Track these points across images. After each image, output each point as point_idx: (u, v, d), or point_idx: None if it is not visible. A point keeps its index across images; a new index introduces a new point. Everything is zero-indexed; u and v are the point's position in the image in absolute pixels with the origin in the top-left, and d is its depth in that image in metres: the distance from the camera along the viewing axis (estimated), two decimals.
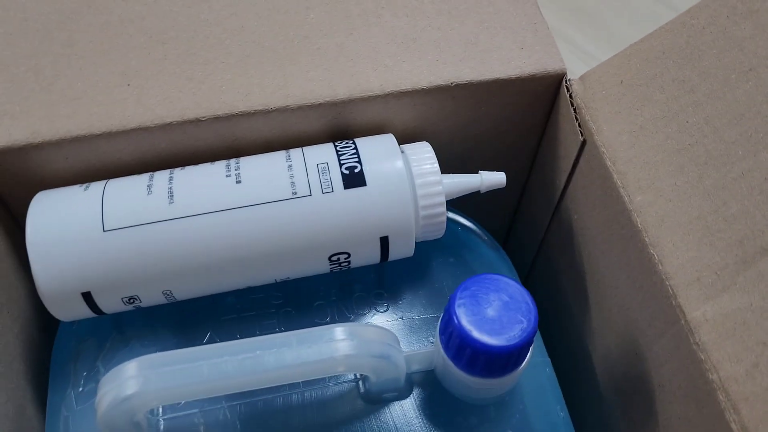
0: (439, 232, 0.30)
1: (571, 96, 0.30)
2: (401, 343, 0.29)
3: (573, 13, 0.63)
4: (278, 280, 0.29)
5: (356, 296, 0.31)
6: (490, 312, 0.25)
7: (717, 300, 0.24)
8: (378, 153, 0.28)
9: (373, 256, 0.29)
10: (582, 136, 0.29)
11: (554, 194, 0.33)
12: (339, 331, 0.25)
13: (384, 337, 0.26)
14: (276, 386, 0.27)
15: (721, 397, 0.23)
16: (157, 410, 0.27)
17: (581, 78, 0.30)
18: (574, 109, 0.30)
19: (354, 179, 0.27)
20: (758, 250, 0.23)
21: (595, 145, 0.28)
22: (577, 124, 0.30)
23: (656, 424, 0.27)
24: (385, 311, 0.30)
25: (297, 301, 0.30)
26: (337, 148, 0.28)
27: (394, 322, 0.30)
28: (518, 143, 0.34)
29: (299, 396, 0.28)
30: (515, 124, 0.33)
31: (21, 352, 0.30)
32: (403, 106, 0.30)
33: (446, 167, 0.34)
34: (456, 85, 0.30)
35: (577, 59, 0.61)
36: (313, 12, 0.31)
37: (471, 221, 0.34)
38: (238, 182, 0.27)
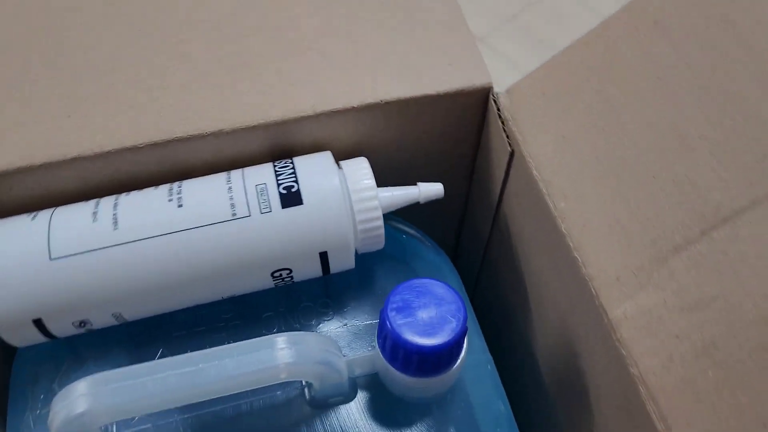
0: (379, 244, 0.30)
1: (498, 109, 0.30)
2: (347, 348, 0.30)
3: (510, 27, 0.63)
4: (225, 297, 0.29)
5: (303, 306, 0.31)
6: (422, 314, 0.25)
7: (635, 298, 0.24)
8: (315, 171, 0.28)
9: (315, 270, 0.29)
10: (510, 147, 0.30)
11: (492, 203, 0.34)
12: (280, 340, 0.25)
13: (324, 344, 0.26)
14: (225, 397, 0.27)
15: (641, 389, 0.23)
16: (111, 427, 0.27)
17: (507, 91, 0.30)
18: (502, 122, 0.30)
19: (291, 198, 0.28)
20: (670, 249, 0.24)
21: (522, 156, 0.29)
22: (505, 135, 0.30)
23: (591, 417, 0.28)
24: (330, 319, 0.30)
25: (246, 314, 0.30)
26: (276, 169, 0.29)
27: (339, 329, 0.30)
28: (456, 155, 0.34)
29: (248, 405, 0.27)
30: (450, 137, 0.33)
31: None
32: (338, 124, 0.30)
33: (387, 180, 0.34)
34: (386, 103, 0.30)
35: (517, 73, 0.62)
36: (254, 39, 0.31)
37: (415, 229, 0.34)
38: (180, 206, 0.27)
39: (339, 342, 0.30)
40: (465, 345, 0.27)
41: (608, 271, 0.25)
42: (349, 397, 0.28)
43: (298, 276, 0.29)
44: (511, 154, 0.30)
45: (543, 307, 0.31)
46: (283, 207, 0.27)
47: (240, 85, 0.30)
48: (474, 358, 0.30)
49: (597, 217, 0.26)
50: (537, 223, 0.29)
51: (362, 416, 0.28)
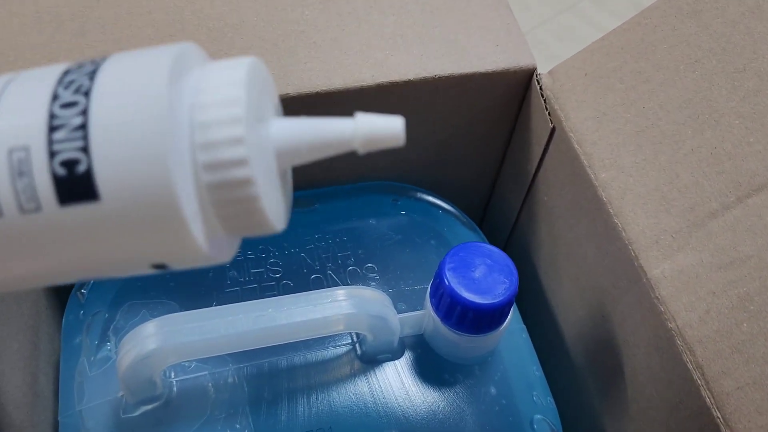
0: (258, 222, 0.17)
1: (541, 88, 0.33)
2: None
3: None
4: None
5: (350, 270, 0.33)
6: (477, 274, 0.28)
7: (673, 258, 0.27)
8: (128, 116, 0.16)
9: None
10: (551, 123, 0.33)
11: (526, 178, 0.37)
12: (341, 292, 0.28)
13: (381, 299, 0.29)
14: (279, 349, 0.29)
15: (678, 341, 0.26)
16: (170, 373, 0.29)
17: (550, 72, 0.34)
18: (545, 100, 0.33)
19: (75, 188, 0.16)
20: (707, 214, 0.27)
21: (564, 131, 0.32)
22: (547, 113, 0.33)
23: (622, 377, 0.31)
24: (376, 283, 0.33)
25: (295, 274, 0.33)
26: (55, 109, 0.16)
27: (385, 292, 0.33)
28: (492, 132, 0.38)
29: (301, 358, 0.30)
30: (491, 115, 0.36)
31: (32, 325, 0.31)
32: (393, 97, 0.33)
33: (425, 154, 0.37)
34: (439, 78, 0.33)
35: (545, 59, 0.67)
36: (308, 10, 0.34)
37: (450, 204, 0.37)
38: None
39: None
40: (512, 308, 0.30)
41: (647, 234, 0.28)
42: (397, 355, 0.31)
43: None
44: (552, 131, 0.33)
45: (575, 276, 0.34)
46: (61, 203, 0.16)
47: (299, 53, 0.32)
48: (510, 327, 0.33)
49: (636, 186, 0.29)
50: (575, 194, 0.32)
51: (409, 373, 0.30)
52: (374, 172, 0.38)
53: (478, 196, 0.42)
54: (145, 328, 0.26)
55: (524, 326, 0.34)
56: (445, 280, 0.28)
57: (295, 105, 0.32)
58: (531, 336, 0.35)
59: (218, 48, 0.32)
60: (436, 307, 0.29)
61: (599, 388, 0.33)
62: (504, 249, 0.42)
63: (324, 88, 0.32)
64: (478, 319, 0.28)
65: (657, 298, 0.27)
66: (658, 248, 0.28)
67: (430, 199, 0.37)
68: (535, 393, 0.31)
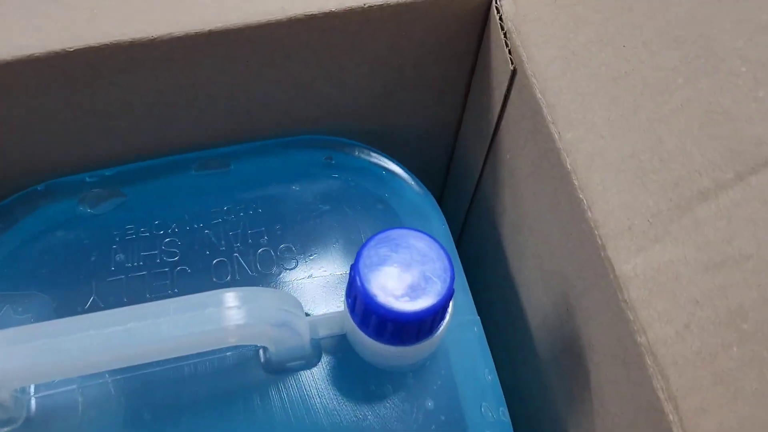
0: None
1: (501, 19, 0.27)
2: (311, 305, 0.27)
3: None
4: None
5: (261, 252, 0.28)
6: (401, 273, 0.23)
7: (649, 252, 0.22)
8: None
9: None
10: (512, 64, 0.27)
11: (488, 131, 0.31)
12: (228, 296, 0.23)
13: (282, 301, 0.24)
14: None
15: (648, 361, 0.21)
16: (28, 388, 0.25)
17: None
18: (504, 34, 0.27)
19: None
20: (695, 194, 0.21)
21: (525, 75, 0.26)
22: (507, 50, 0.27)
23: (587, 386, 0.26)
24: (293, 268, 0.28)
25: (194, 258, 0.28)
26: None
27: (303, 280, 0.28)
28: (449, 75, 0.31)
29: (192, 368, 0.25)
30: (443, 53, 0.30)
31: None
32: (312, 33, 0.27)
33: (367, 102, 0.31)
34: (370, 7, 0.27)
35: None
36: None
37: (397, 164, 0.32)
38: None
39: (303, 296, 0.28)
40: (450, 308, 0.25)
41: (618, 217, 0.22)
42: (311, 362, 0.26)
43: None
44: (513, 73, 0.27)
45: (539, 255, 0.28)
46: None
47: None
48: (459, 319, 0.28)
49: (609, 150, 0.23)
50: (538, 155, 0.26)
51: (326, 384, 0.26)
52: (306, 125, 0.32)
53: (439, 152, 0.36)
54: None
55: (477, 318, 0.28)
56: (358, 280, 0.23)
57: (182, 47, 0.26)
58: (494, 314, 0.30)
59: None
60: (352, 311, 0.24)
61: (564, 393, 0.28)
62: (465, 218, 0.36)
63: (218, 26, 0.26)
64: (401, 330, 0.23)
65: (625, 301, 0.22)
66: (631, 236, 0.22)
67: (373, 157, 0.31)
68: (484, 404, 0.27)
